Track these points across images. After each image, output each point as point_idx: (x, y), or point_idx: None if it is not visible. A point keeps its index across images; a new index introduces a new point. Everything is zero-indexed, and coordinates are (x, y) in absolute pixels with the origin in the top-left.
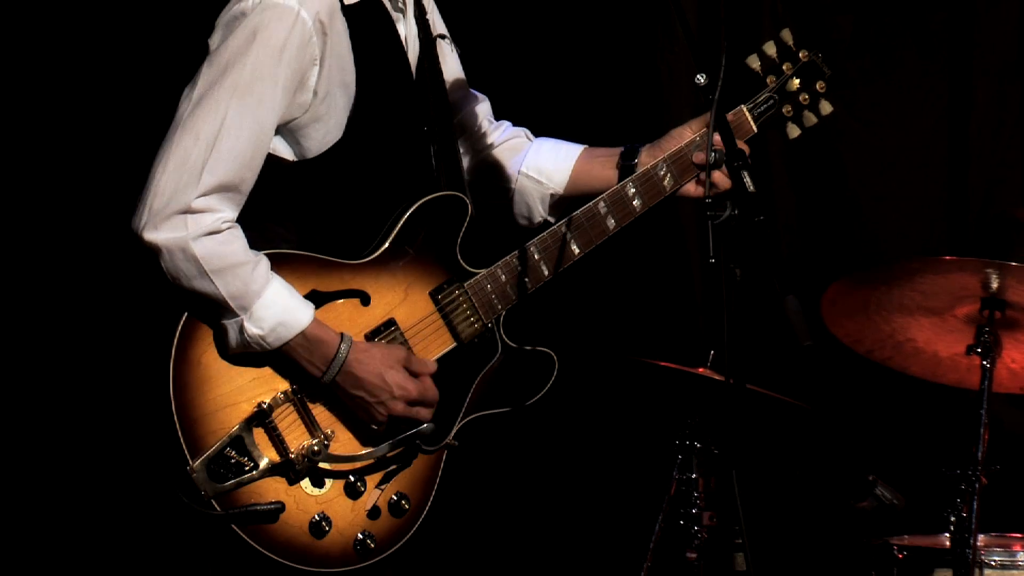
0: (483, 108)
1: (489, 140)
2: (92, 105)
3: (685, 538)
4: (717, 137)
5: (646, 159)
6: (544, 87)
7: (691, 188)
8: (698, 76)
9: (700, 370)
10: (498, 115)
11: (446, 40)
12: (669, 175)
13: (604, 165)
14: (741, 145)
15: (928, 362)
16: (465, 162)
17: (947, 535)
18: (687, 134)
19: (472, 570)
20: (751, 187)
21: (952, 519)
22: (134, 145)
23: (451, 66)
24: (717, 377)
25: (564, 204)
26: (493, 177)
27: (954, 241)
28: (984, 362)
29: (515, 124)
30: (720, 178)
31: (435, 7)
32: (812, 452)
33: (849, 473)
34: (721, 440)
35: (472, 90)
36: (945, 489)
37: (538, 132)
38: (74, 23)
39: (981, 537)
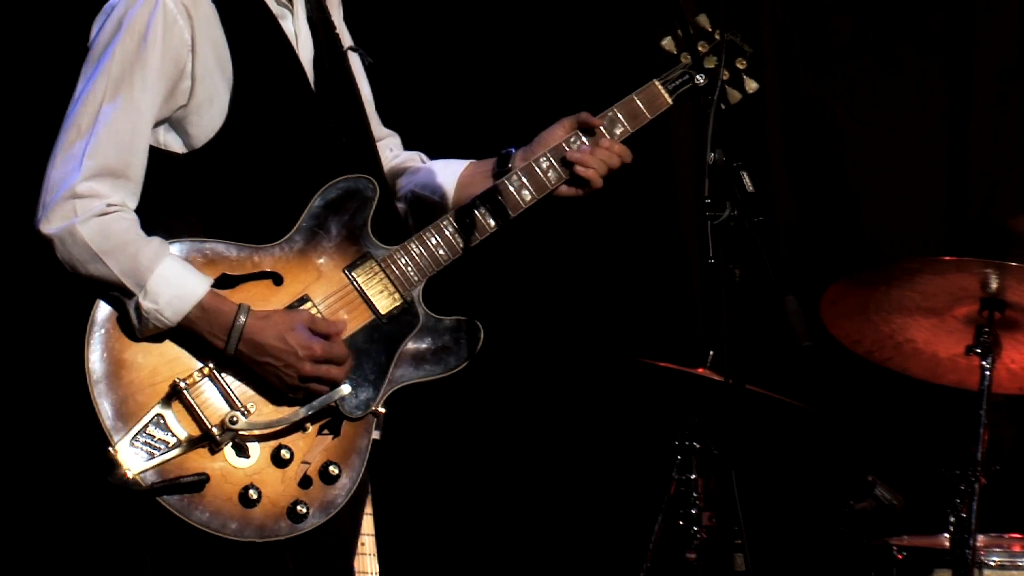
0: (388, 142)
1: (387, 168)
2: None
3: (685, 538)
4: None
5: (519, 162)
6: (541, 92)
7: (567, 189)
8: (697, 77)
9: (699, 370)
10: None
11: (357, 53)
12: (552, 168)
13: (484, 173)
14: (621, 152)
15: (927, 363)
16: None
17: (946, 535)
18: (559, 133)
19: (472, 570)
20: (750, 187)
21: (951, 519)
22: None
23: (365, 88)
24: (716, 377)
25: None
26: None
27: (954, 242)
28: (983, 362)
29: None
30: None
31: (344, 26)
32: (812, 452)
33: (848, 473)
34: (720, 440)
35: (382, 127)
36: (944, 489)
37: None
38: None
39: (980, 537)
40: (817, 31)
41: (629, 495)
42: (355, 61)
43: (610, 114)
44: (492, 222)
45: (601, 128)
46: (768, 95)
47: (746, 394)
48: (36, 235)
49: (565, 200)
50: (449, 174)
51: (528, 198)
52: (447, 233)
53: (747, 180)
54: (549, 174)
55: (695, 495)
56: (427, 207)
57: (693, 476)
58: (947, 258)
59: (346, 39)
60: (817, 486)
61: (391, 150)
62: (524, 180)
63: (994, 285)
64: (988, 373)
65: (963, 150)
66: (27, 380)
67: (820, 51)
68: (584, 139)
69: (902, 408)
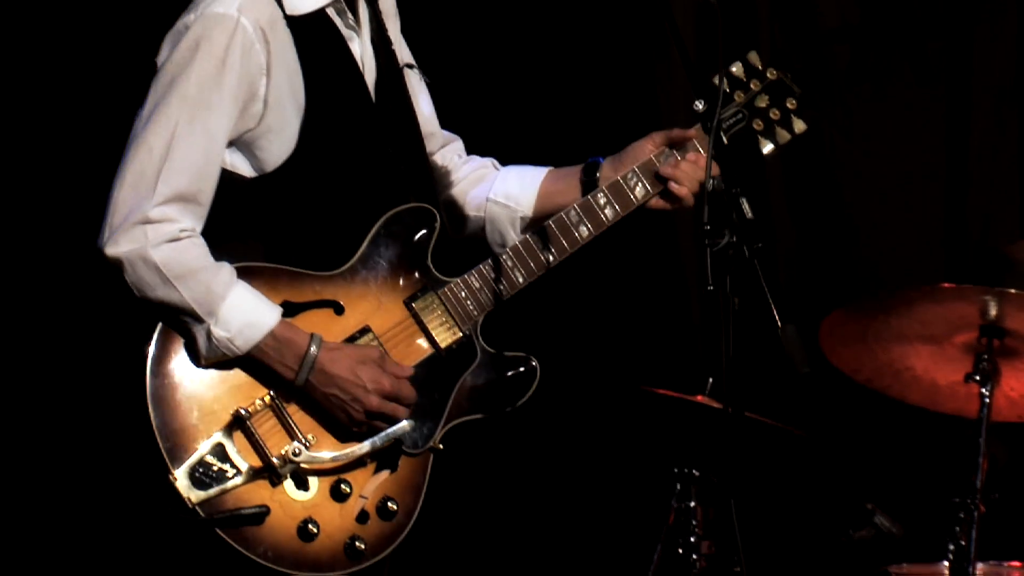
0: (454, 147)
1: (458, 175)
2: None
3: (684, 567)
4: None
5: (608, 172)
6: (542, 114)
7: (658, 202)
8: (696, 103)
9: (699, 398)
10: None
11: (414, 71)
12: (640, 184)
13: (568, 182)
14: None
15: (927, 390)
16: None
17: (946, 564)
18: (648, 147)
19: None
20: (749, 214)
21: (951, 547)
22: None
23: (423, 102)
24: (716, 405)
25: (536, 225)
26: (464, 209)
27: (953, 268)
28: (982, 390)
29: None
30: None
31: (402, 40)
32: (811, 481)
33: (848, 502)
34: (720, 468)
35: (444, 131)
36: (944, 517)
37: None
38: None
39: (980, 566)
40: (815, 58)
41: (628, 523)
42: (412, 78)
43: (665, 151)
44: (552, 257)
45: (694, 142)
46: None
47: (745, 422)
48: (101, 256)
49: (652, 211)
50: (530, 183)
51: (587, 232)
52: (506, 267)
53: (746, 207)
54: (637, 191)
55: (694, 523)
56: (507, 217)
57: (692, 504)
58: (946, 285)
59: (403, 54)
60: (816, 514)
61: (459, 156)
62: (610, 197)
63: (993, 312)
64: (987, 401)
65: (962, 176)
66: (85, 401)
67: (818, 78)
68: (676, 155)
69: (901, 436)
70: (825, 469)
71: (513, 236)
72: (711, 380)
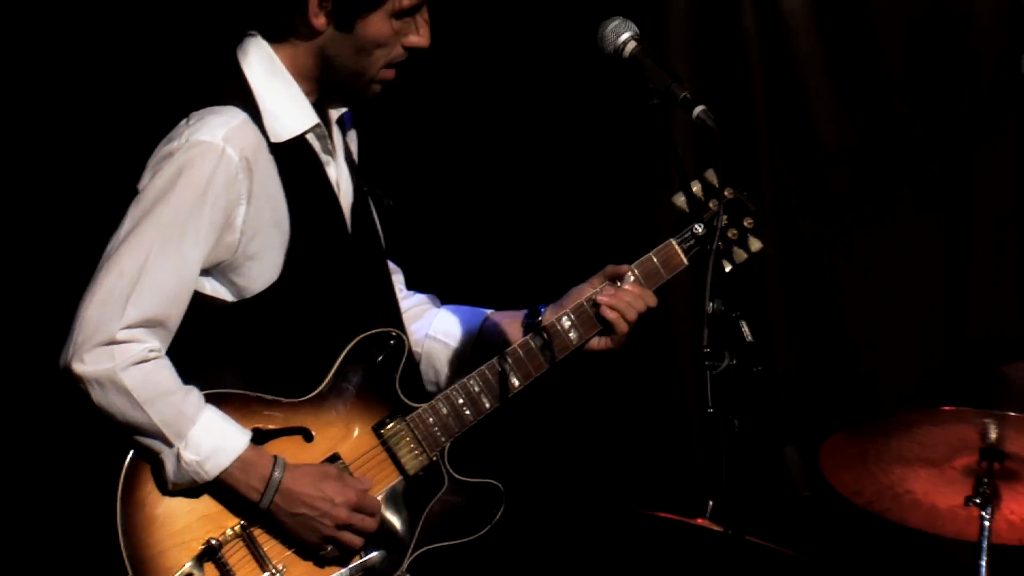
0: (396, 279)
1: (399, 307)
2: None
3: None
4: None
5: (550, 316)
6: (542, 236)
7: (596, 343)
8: (695, 225)
9: (699, 521)
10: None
11: (375, 194)
12: (573, 328)
13: (510, 324)
14: (645, 295)
15: (927, 514)
16: None
17: None
18: (587, 291)
19: None
20: (749, 337)
21: None
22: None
23: (377, 224)
24: (716, 528)
25: (471, 365)
26: None
27: (952, 391)
28: (982, 513)
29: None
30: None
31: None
32: None
33: None
34: None
35: (388, 261)
36: None
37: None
38: None
39: None
40: (815, 181)
41: None
42: (372, 202)
43: (630, 273)
44: (517, 381)
45: (630, 273)
46: (766, 244)
47: (746, 545)
48: (66, 373)
49: (599, 353)
50: (469, 320)
51: (551, 358)
52: (473, 392)
53: (746, 330)
54: (571, 334)
55: None
56: (444, 354)
57: None
58: (946, 408)
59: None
60: None
61: (400, 289)
62: (547, 339)
63: (993, 435)
64: (987, 524)
65: (961, 299)
66: (56, 528)
67: (818, 201)
68: (611, 286)
69: (902, 559)
70: None
71: (447, 373)
72: (711, 503)
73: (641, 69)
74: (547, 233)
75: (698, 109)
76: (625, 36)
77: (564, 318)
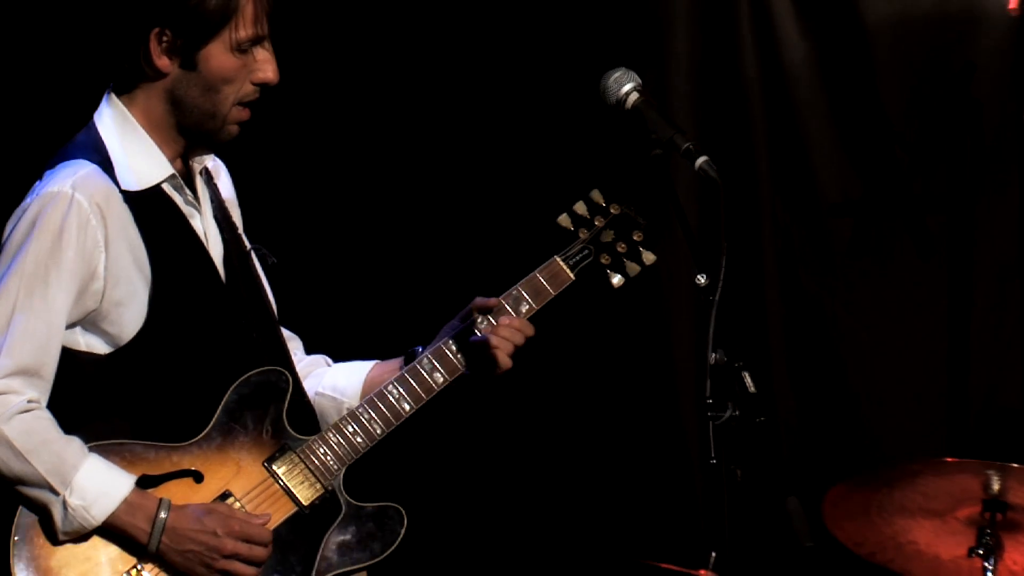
0: (293, 344)
1: None
2: None
3: None
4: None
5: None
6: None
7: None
8: (698, 276)
9: (702, 572)
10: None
11: (260, 253)
12: (461, 352)
13: (390, 372)
14: (523, 327)
15: (930, 565)
16: None
17: None
18: (455, 323)
19: None
20: (752, 388)
21: None
22: None
23: (268, 287)
24: None
25: None
26: None
27: (955, 442)
28: (985, 564)
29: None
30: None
31: (241, 225)
32: None
33: None
34: None
35: (285, 329)
36: None
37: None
38: None
39: None
40: (817, 231)
41: None
42: (257, 262)
43: (515, 292)
44: (407, 406)
45: (504, 306)
46: (769, 295)
47: None
48: None
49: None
50: (356, 374)
51: (440, 380)
52: (363, 420)
53: (749, 380)
54: (458, 356)
55: None
56: (334, 408)
57: None
58: (949, 459)
59: (246, 241)
60: None
61: (295, 354)
62: (436, 363)
63: (996, 486)
64: (990, 575)
65: (964, 350)
66: None
67: (820, 251)
68: (490, 319)
69: None
70: None
71: None
72: (714, 554)
73: (644, 120)
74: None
75: (701, 160)
76: (628, 87)
77: (451, 343)
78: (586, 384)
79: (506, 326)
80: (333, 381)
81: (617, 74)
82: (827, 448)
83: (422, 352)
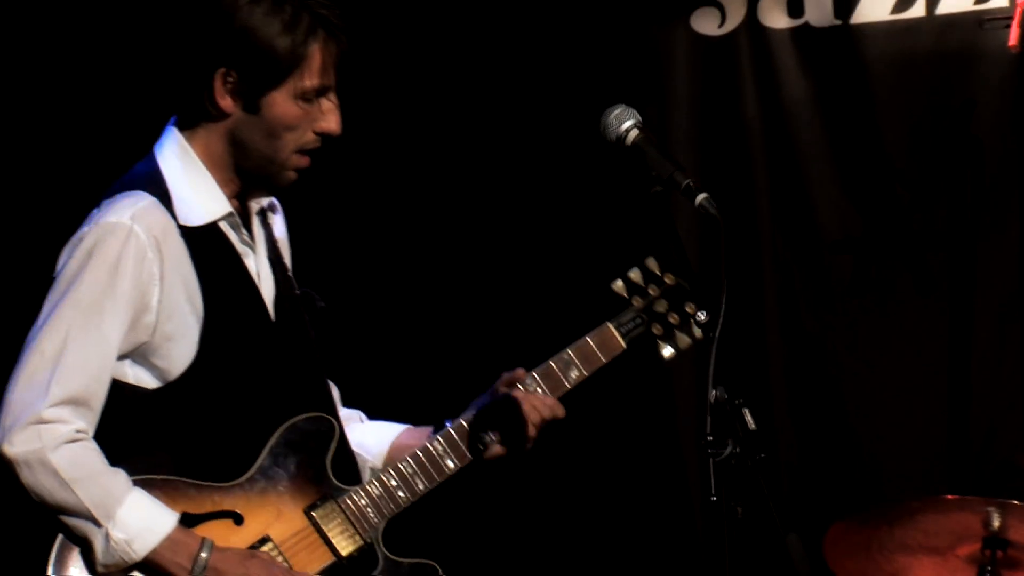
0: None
1: None
2: None
3: None
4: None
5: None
6: (539, 329)
7: (494, 449)
8: (699, 314)
9: None
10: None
11: (308, 296)
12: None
13: (418, 439)
14: (554, 407)
15: None
16: None
17: None
18: (484, 400)
19: None
20: (752, 425)
21: None
22: None
23: (307, 322)
24: None
25: None
26: None
27: (955, 480)
28: None
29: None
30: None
31: (290, 264)
32: None
33: None
34: None
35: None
36: None
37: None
38: None
39: None
40: (818, 269)
41: None
42: (307, 305)
43: (565, 356)
44: (451, 464)
45: (530, 380)
46: (769, 332)
47: None
48: None
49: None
50: (384, 436)
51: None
52: (406, 474)
53: (749, 418)
54: (486, 433)
55: None
56: (361, 463)
57: None
58: (949, 496)
59: (297, 284)
60: None
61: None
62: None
63: (996, 524)
64: None
65: (964, 388)
66: None
67: (821, 289)
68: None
69: None
70: None
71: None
72: None
73: (644, 157)
74: (546, 327)
75: (701, 197)
76: (628, 124)
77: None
78: (587, 421)
79: (535, 399)
80: (361, 438)
81: (617, 111)
82: (828, 485)
83: (449, 425)
